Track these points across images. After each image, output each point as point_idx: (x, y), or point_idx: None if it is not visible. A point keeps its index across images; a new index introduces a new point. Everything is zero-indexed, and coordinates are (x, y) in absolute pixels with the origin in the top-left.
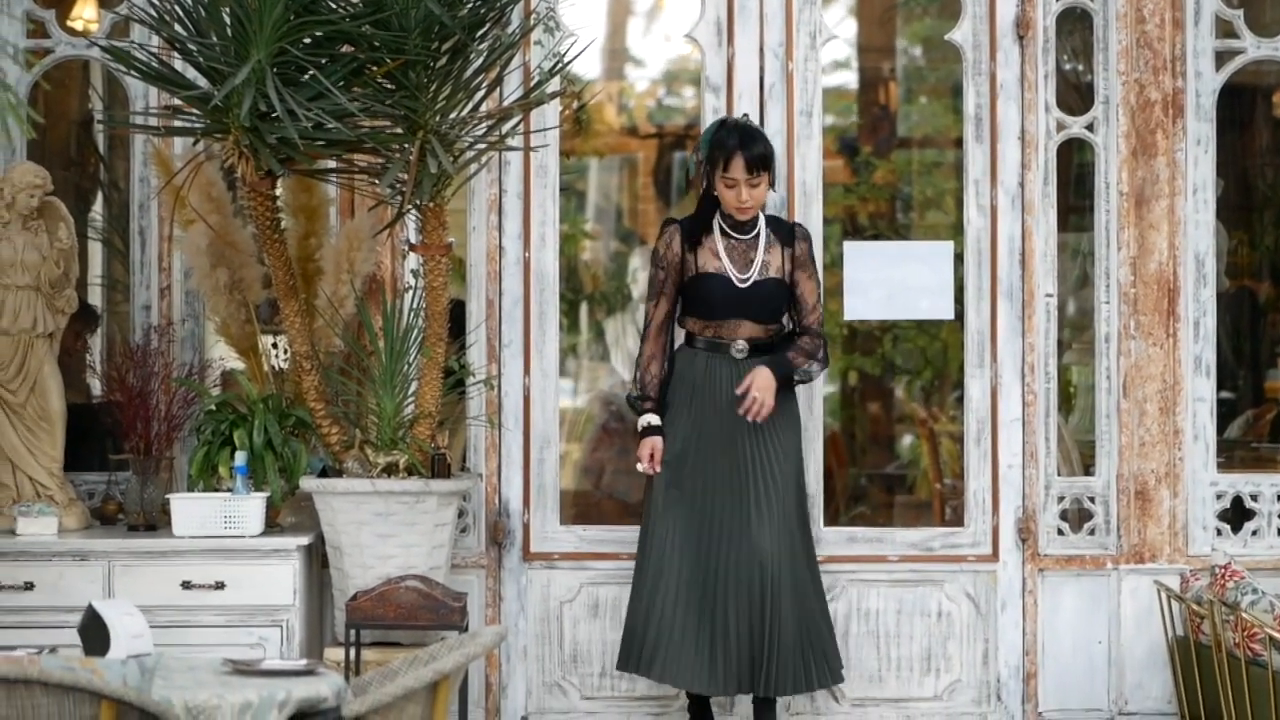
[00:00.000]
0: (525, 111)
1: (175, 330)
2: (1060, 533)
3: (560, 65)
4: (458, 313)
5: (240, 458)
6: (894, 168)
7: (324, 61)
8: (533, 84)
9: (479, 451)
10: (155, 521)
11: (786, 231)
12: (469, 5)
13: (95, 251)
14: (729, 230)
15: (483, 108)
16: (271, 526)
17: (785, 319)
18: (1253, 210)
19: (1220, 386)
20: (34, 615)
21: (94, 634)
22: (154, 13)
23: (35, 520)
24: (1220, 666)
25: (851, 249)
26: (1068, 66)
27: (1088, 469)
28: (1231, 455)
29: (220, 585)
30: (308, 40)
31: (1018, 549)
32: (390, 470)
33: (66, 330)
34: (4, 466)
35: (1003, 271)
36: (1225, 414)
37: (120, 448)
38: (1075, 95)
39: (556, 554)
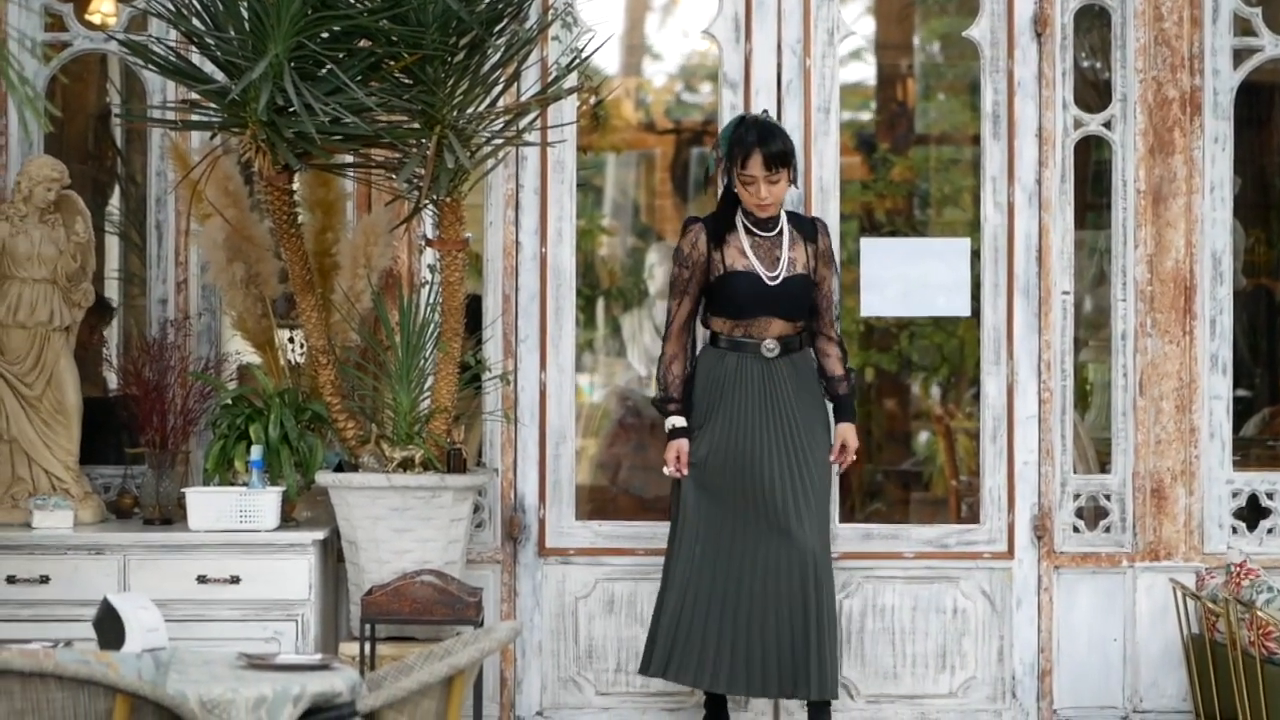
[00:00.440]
0: (542, 107)
1: (192, 324)
2: (1076, 530)
3: (578, 61)
4: (474, 308)
5: (256, 452)
6: (911, 164)
7: (341, 56)
8: (550, 79)
9: (495, 446)
10: (171, 515)
11: (809, 227)
12: (487, 0)
13: (112, 245)
14: (752, 228)
15: (500, 103)
16: (287, 521)
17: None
18: (1270, 208)
19: (1237, 384)
20: (49, 609)
21: (109, 628)
22: (172, 7)
23: (51, 513)
24: (1235, 665)
25: (868, 245)
26: (1085, 64)
27: (1104, 466)
28: (1248, 453)
29: (235, 579)
30: (325, 35)
31: (1033, 546)
32: (406, 465)
33: (82, 324)
34: (20, 459)
35: (1019, 269)
36: (1241, 412)
37: (136, 441)
38: (1093, 93)
39: (572, 549)
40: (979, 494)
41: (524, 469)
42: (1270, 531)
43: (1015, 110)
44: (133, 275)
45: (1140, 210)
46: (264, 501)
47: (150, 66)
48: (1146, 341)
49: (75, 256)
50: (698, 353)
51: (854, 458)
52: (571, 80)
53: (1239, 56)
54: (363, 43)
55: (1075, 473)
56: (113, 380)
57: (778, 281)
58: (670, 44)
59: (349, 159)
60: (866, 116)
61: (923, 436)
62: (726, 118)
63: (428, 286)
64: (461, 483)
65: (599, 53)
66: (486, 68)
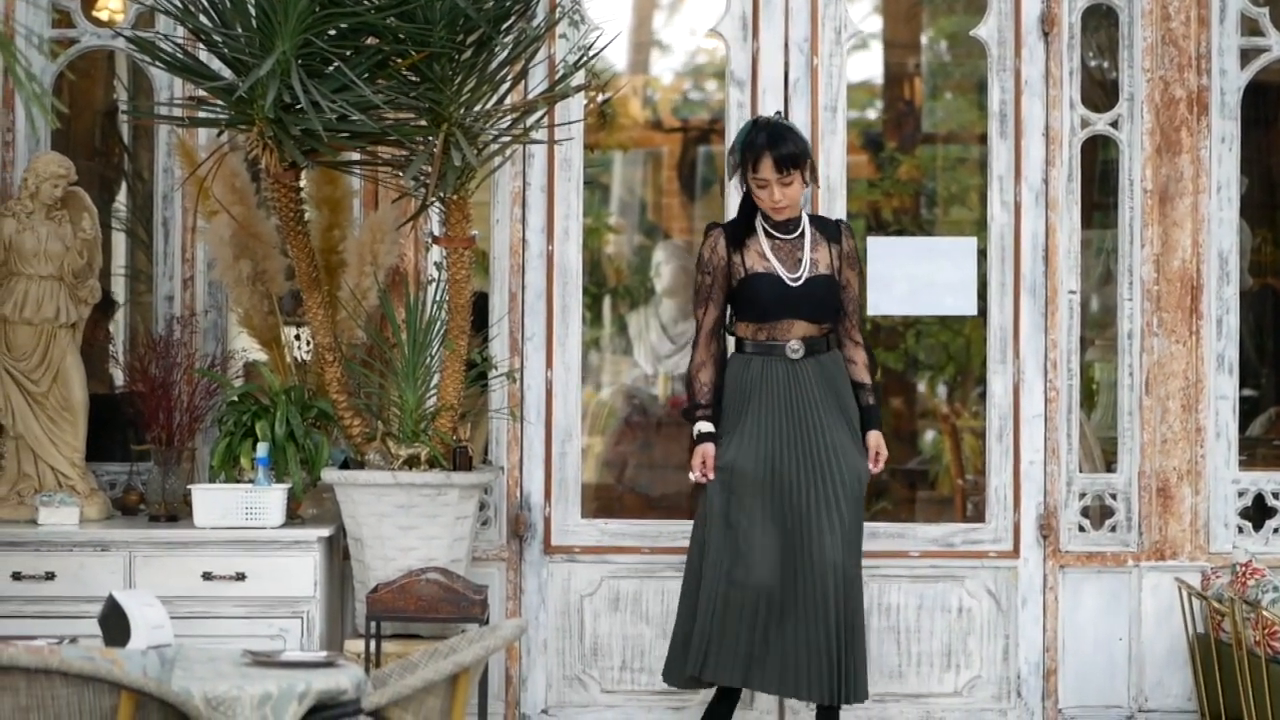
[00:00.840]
0: (550, 105)
1: (198, 321)
2: (1081, 529)
3: (585, 59)
4: (480, 305)
5: (262, 449)
6: (918, 163)
7: (349, 54)
8: (557, 77)
9: (501, 444)
10: (176, 512)
11: (832, 229)
12: None
13: (119, 242)
14: (772, 231)
15: (507, 101)
16: (293, 518)
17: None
18: (1277, 208)
19: (1243, 384)
20: (55, 605)
21: (114, 624)
22: (179, 4)
23: (57, 510)
24: (1241, 664)
25: (875, 244)
26: (1093, 63)
27: (1109, 466)
28: (1254, 453)
29: (241, 576)
30: (332, 32)
31: (1039, 545)
32: (412, 463)
33: (87, 320)
34: (26, 456)
35: (1026, 268)
36: (1248, 411)
37: (142, 438)
38: (1100, 92)
39: (577, 547)
40: (985, 493)
41: (530, 467)
42: (1276, 531)
43: (1022, 109)
44: (139, 272)
45: (1147, 210)
46: (269, 499)
47: (157, 63)
48: (1153, 341)
49: (82, 253)
50: (728, 362)
51: (883, 465)
52: (579, 78)
53: (1246, 56)
54: (370, 40)
55: (1081, 472)
56: (119, 377)
57: (800, 282)
58: (677, 42)
59: (356, 156)
60: (873, 115)
61: (929, 435)
62: (733, 116)
63: (434, 284)
64: (467, 480)
65: (606, 50)
66: (494, 65)
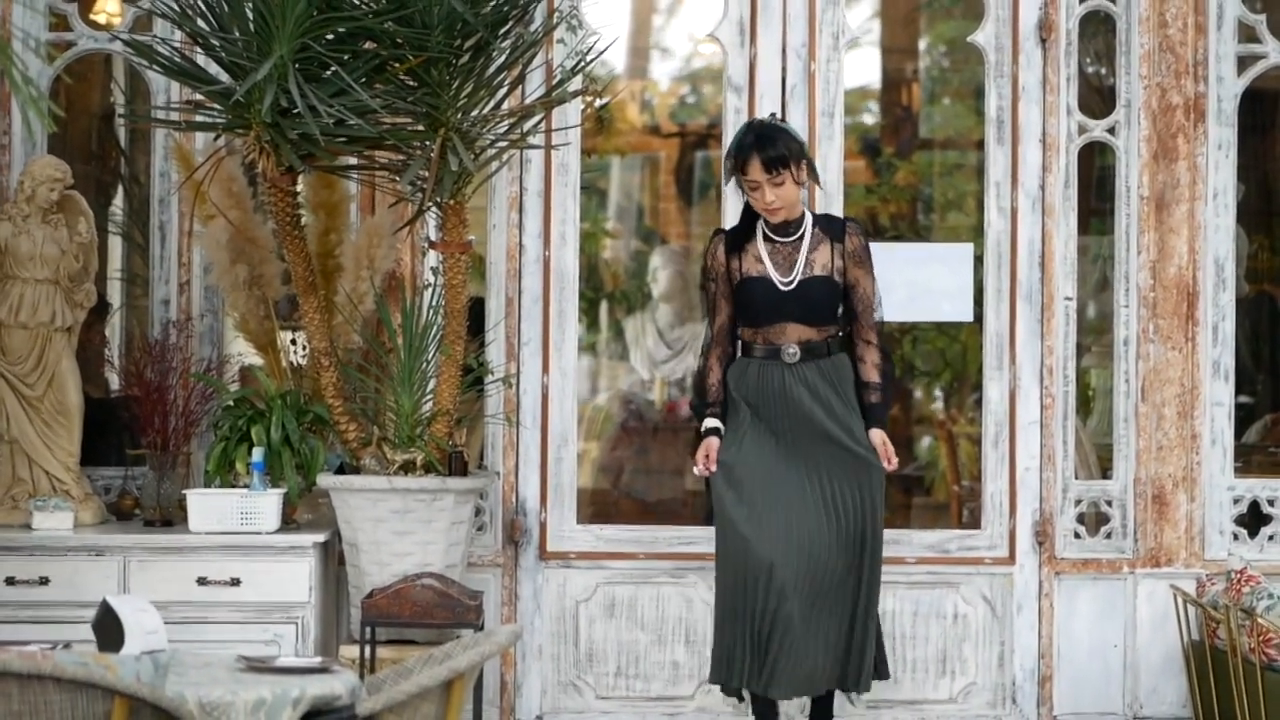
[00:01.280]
0: (547, 110)
1: (194, 325)
2: (1077, 536)
3: (582, 64)
4: (477, 310)
5: (257, 454)
6: (915, 169)
7: (346, 58)
8: (555, 82)
9: (496, 450)
10: (171, 517)
11: (838, 228)
12: (492, 3)
13: (115, 246)
14: (772, 234)
15: (504, 105)
16: (288, 523)
17: (839, 317)
18: (1273, 215)
19: (1239, 391)
20: (49, 610)
21: (108, 630)
22: (176, 7)
23: (51, 515)
24: (1235, 671)
25: (872, 250)
26: (1090, 69)
27: (1105, 472)
28: (1249, 460)
29: (236, 582)
30: (330, 36)
31: (1034, 552)
32: (407, 468)
33: (82, 324)
34: (21, 460)
35: (1022, 274)
36: (1243, 419)
37: (137, 443)
38: (1097, 98)
39: (573, 553)
40: (980, 499)
41: (525, 472)
42: (1271, 538)
43: (1019, 115)
44: (135, 276)
45: (1143, 216)
46: (265, 503)
47: (154, 67)
48: (1149, 347)
49: (78, 257)
50: (732, 365)
51: (893, 461)
52: (576, 83)
53: (1243, 63)
54: (367, 45)
55: (1077, 478)
56: (114, 381)
57: (791, 285)
58: (675, 47)
59: (353, 161)
60: (871, 120)
61: (925, 441)
62: (731, 121)
63: (430, 289)
64: (463, 486)
65: (604, 55)
66: (491, 70)
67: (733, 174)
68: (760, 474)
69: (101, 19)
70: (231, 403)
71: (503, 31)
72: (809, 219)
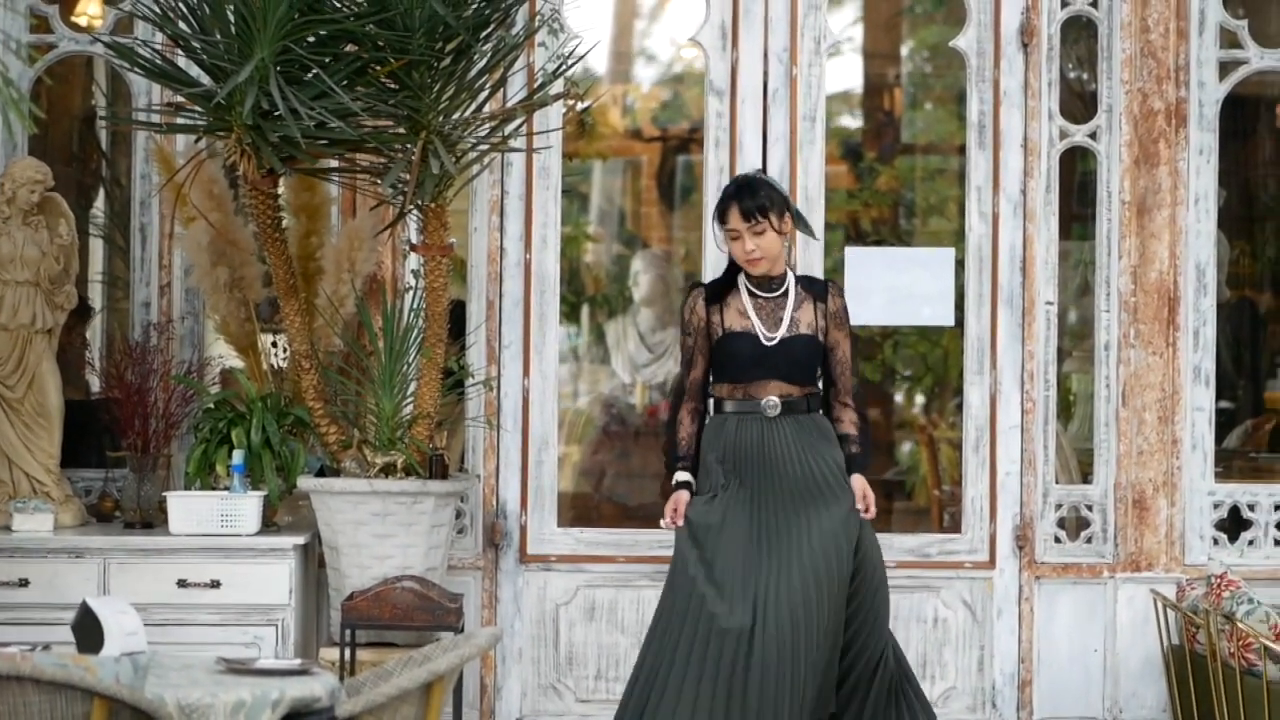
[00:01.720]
0: (528, 113)
1: (175, 328)
2: (1057, 540)
3: (564, 67)
4: (458, 313)
5: (238, 456)
6: (897, 174)
7: (327, 60)
8: (536, 86)
9: (477, 452)
10: (152, 519)
11: (820, 287)
12: (473, 6)
13: (96, 248)
14: (755, 290)
15: (486, 109)
16: (268, 525)
17: (818, 378)
18: (1255, 221)
19: (1220, 396)
20: (28, 612)
21: (88, 631)
22: (158, 9)
23: (31, 516)
24: (1215, 676)
25: (853, 254)
26: (1072, 75)
27: (1086, 477)
28: (1230, 465)
29: (216, 584)
30: (311, 39)
31: (1015, 556)
32: (388, 470)
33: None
34: (1, 462)
35: (1004, 279)
36: (1224, 424)
37: (118, 445)
38: (1079, 103)
39: (553, 556)
40: (961, 504)
41: (506, 475)
42: (1251, 543)
43: (1001, 120)
44: (116, 278)
45: (1125, 221)
46: (245, 506)
47: (136, 69)
48: (1130, 352)
49: (58, 259)
50: (706, 423)
51: (873, 510)
52: (557, 86)
53: (1225, 69)
54: (349, 47)
55: (1057, 483)
56: (95, 383)
57: (775, 341)
58: (657, 51)
59: (334, 163)
60: (853, 125)
61: (906, 446)
62: (713, 126)
63: (411, 292)
64: (443, 488)
65: (586, 59)
66: (472, 73)
67: (716, 225)
68: (726, 538)
69: (83, 21)
70: (212, 405)
71: (484, 35)
72: (791, 277)
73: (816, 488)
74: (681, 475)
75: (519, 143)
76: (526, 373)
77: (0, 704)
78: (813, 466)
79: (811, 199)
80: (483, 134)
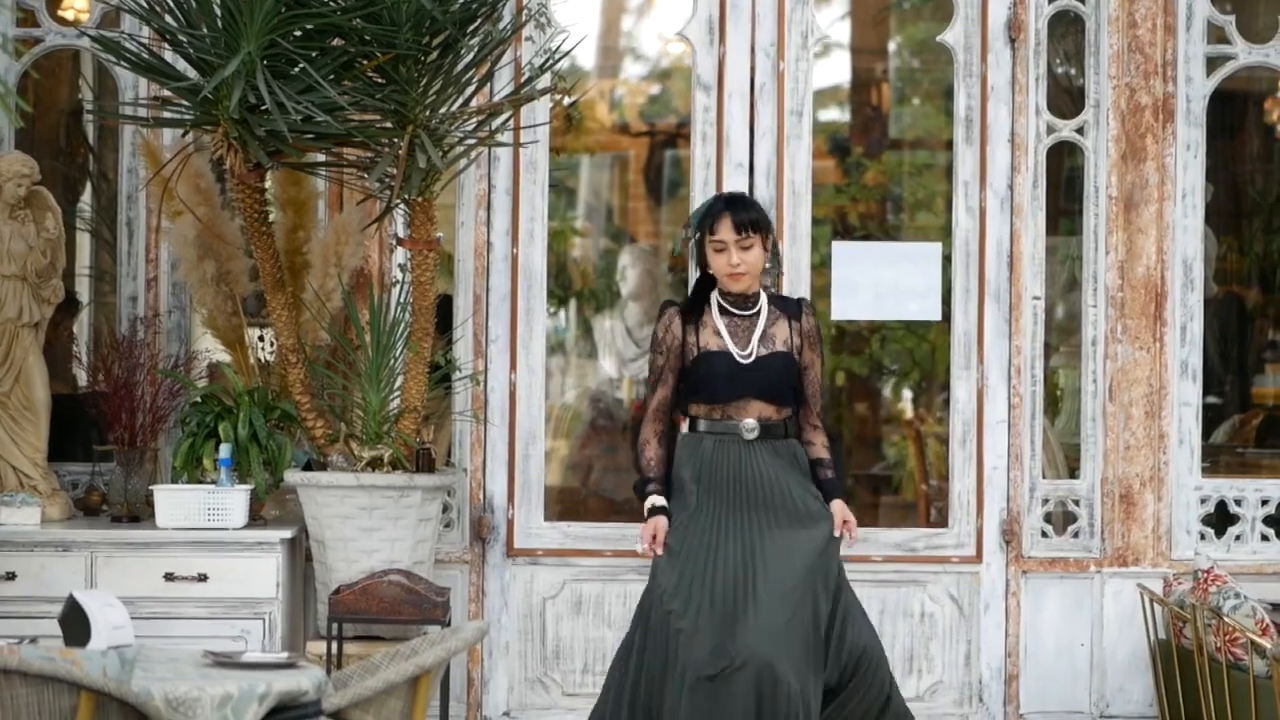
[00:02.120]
0: (515, 107)
1: (162, 321)
2: (1044, 535)
3: (551, 61)
4: (445, 308)
5: (225, 450)
6: (885, 169)
7: (314, 55)
8: (523, 80)
9: (464, 447)
10: (139, 513)
11: (793, 307)
12: (460, 0)
13: (83, 242)
14: (729, 307)
15: (473, 103)
16: (255, 519)
17: (793, 400)
18: (1242, 216)
19: (1207, 392)
20: (15, 605)
21: (75, 624)
22: (144, 4)
23: (18, 510)
24: (1202, 671)
25: (840, 249)
26: (1059, 70)
27: (1073, 472)
28: (1217, 460)
29: (203, 577)
30: (298, 33)
31: (1001, 551)
32: (375, 464)
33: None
34: None
35: (991, 273)
36: (1211, 419)
37: (105, 438)
38: (1066, 99)
39: (540, 550)
40: (948, 498)
41: (493, 469)
42: (1238, 538)
43: (988, 115)
44: (103, 272)
45: (1112, 216)
46: (232, 500)
47: (122, 63)
48: (1117, 347)
49: (45, 253)
50: (678, 441)
51: (855, 534)
52: (544, 81)
53: (1212, 64)
54: (336, 41)
55: (1044, 478)
56: (82, 377)
57: (751, 359)
58: (645, 46)
59: (321, 158)
60: (841, 120)
61: (893, 440)
62: (700, 121)
63: (398, 286)
64: (430, 482)
65: (573, 54)
66: (460, 67)
67: (697, 237)
68: (701, 561)
69: (70, 15)
70: (199, 399)
71: (471, 29)
72: (764, 296)
73: (796, 512)
74: (656, 500)
75: (506, 137)
76: (513, 367)
77: None
78: (791, 490)
79: (799, 194)
80: (469, 128)
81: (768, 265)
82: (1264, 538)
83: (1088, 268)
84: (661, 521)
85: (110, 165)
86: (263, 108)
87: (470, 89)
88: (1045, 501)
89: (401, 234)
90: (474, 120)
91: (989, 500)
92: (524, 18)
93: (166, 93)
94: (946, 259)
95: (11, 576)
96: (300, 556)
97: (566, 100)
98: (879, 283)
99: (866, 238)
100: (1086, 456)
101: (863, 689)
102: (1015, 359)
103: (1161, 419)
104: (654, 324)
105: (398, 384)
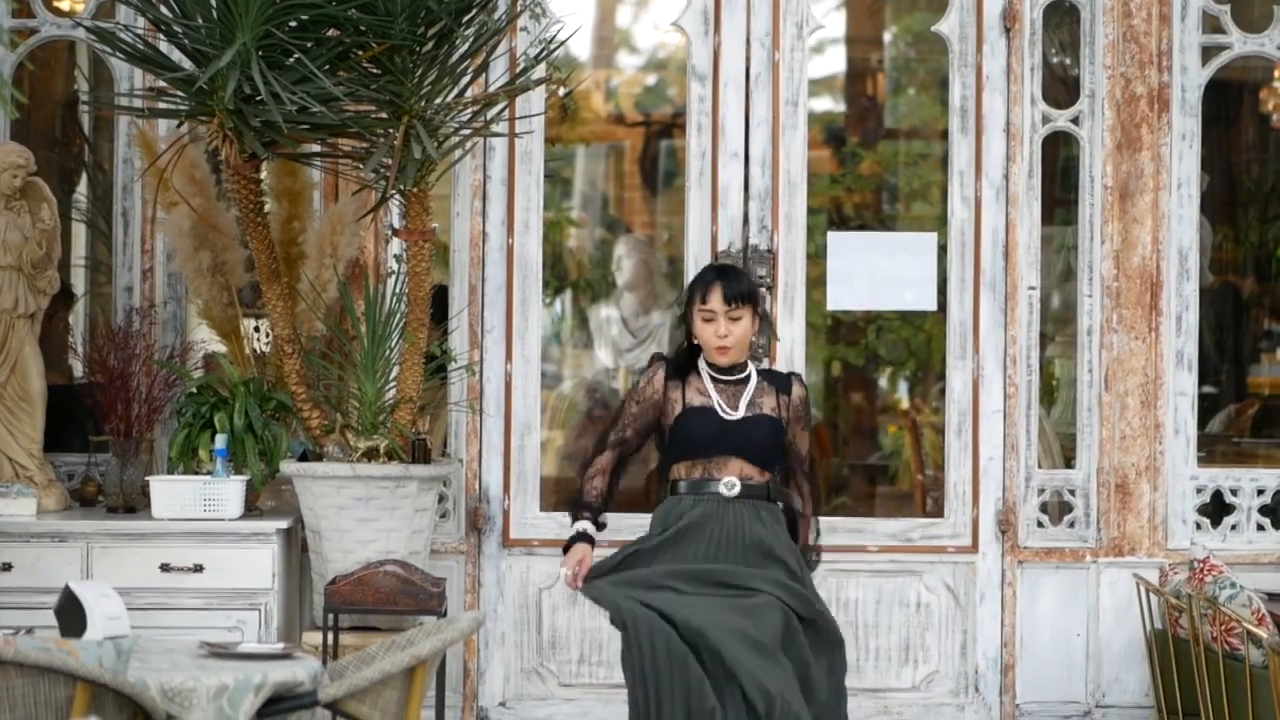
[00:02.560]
0: (510, 98)
1: (157, 312)
2: (1040, 525)
3: (546, 52)
4: (440, 298)
5: (221, 441)
6: (880, 159)
7: (309, 45)
8: (518, 70)
9: (460, 437)
10: (135, 503)
11: (783, 380)
12: None
13: (79, 233)
14: (716, 374)
15: (468, 93)
16: (251, 510)
17: (778, 467)
18: (1237, 206)
19: (1203, 381)
20: (11, 596)
21: (71, 615)
22: None
23: (14, 501)
24: (1198, 660)
25: (836, 239)
26: (1054, 60)
27: (1068, 462)
28: (1213, 450)
29: (199, 568)
30: (293, 23)
31: (997, 541)
32: (371, 455)
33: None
34: None
35: (986, 263)
36: (1207, 409)
37: (100, 429)
38: (1062, 88)
39: (536, 540)
40: (944, 488)
41: (489, 460)
42: (1234, 528)
43: (983, 105)
44: (99, 263)
45: (1107, 206)
46: (228, 490)
47: (118, 54)
48: (1112, 337)
49: (41, 244)
50: (657, 508)
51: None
52: (540, 71)
53: (1207, 54)
54: (331, 32)
55: (1040, 468)
56: (78, 368)
57: (737, 418)
58: (640, 36)
59: (316, 148)
60: (836, 110)
61: (889, 430)
62: (695, 111)
63: (394, 276)
64: (426, 473)
65: (568, 44)
66: (455, 58)
67: (689, 304)
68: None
69: (65, 5)
70: (195, 390)
71: (466, 19)
72: (753, 368)
73: (765, 551)
74: (583, 525)
75: (501, 127)
76: (509, 357)
77: None
78: (762, 540)
79: (794, 183)
80: (465, 119)
81: (754, 339)
82: (1259, 527)
83: (1083, 257)
84: (586, 551)
85: (105, 156)
86: (258, 98)
87: (465, 79)
88: (1041, 491)
89: (397, 224)
90: (469, 111)
91: (985, 490)
92: (519, 8)
93: (162, 83)
94: (942, 249)
95: (7, 567)
96: (296, 547)
97: (562, 91)
98: (874, 273)
99: (862, 228)
100: (1082, 446)
101: None
102: (1011, 349)
103: (1157, 409)
104: (640, 375)
105: (393, 374)
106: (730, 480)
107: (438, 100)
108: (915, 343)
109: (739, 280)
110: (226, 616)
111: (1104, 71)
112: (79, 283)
